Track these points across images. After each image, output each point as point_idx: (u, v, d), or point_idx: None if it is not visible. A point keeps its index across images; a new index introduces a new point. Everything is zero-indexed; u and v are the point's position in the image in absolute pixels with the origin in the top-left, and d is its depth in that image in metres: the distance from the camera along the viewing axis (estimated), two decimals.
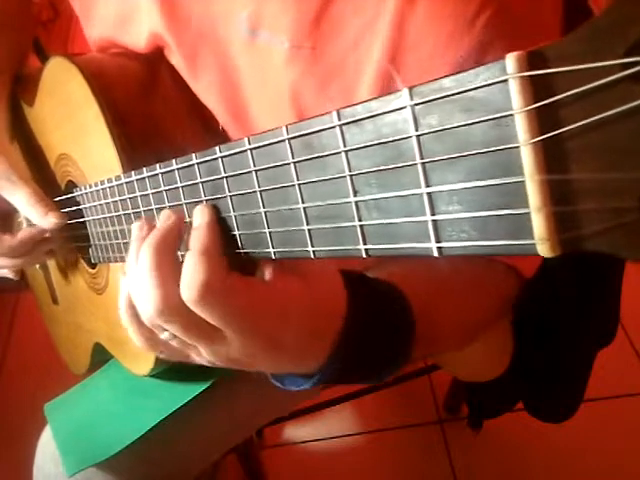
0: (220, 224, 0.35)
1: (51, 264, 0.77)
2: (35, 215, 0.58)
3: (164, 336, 0.36)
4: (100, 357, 0.71)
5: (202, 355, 0.37)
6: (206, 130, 0.58)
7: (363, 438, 1.29)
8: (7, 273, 0.69)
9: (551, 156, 0.19)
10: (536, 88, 0.19)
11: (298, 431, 1.32)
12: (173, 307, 0.33)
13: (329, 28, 0.45)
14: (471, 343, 0.65)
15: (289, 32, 0.46)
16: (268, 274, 0.35)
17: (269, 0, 0.47)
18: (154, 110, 0.57)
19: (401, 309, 0.42)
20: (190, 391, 0.59)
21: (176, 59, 0.57)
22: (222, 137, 0.58)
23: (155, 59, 0.59)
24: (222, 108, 0.56)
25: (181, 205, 0.39)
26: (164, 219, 0.37)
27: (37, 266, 0.80)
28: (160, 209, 0.41)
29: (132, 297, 0.36)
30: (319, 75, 0.47)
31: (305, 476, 1.25)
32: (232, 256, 0.35)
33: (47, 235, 0.62)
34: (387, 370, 0.42)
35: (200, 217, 0.35)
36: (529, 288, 0.63)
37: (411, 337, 0.42)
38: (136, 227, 0.38)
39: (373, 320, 0.39)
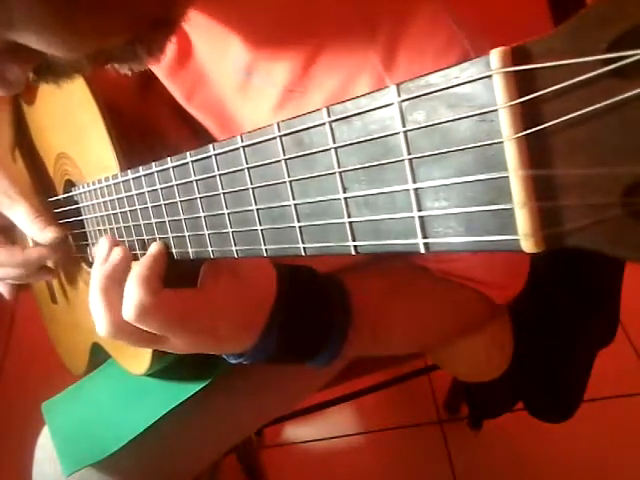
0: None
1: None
2: (33, 230, 0.58)
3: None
4: (98, 357, 0.71)
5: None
6: (202, 130, 0.59)
7: (363, 438, 1.29)
8: (7, 288, 0.68)
9: (535, 151, 0.19)
10: (520, 83, 0.19)
11: (298, 431, 1.32)
12: (119, 328, 0.42)
13: (319, 74, 0.46)
14: (420, 349, 0.73)
15: (282, 77, 0.47)
16: (202, 278, 0.43)
17: (264, 46, 0.48)
18: (151, 110, 0.58)
19: (338, 293, 0.49)
20: (187, 390, 0.59)
21: (169, 87, 0.58)
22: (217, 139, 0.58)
23: None
24: (216, 129, 0.57)
25: (176, 203, 0.39)
26: (115, 254, 0.44)
27: None
28: (155, 207, 0.42)
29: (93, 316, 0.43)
30: None
31: (305, 476, 1.25)
32: (178, 269, 0.42)
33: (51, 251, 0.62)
34: (327, 351, 0.49)
35: (149, 249, 0.43)
36: (528, 288, 0.63)
37: (347, 320, 0.49)
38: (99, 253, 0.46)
39: (304, 300, 0.47)
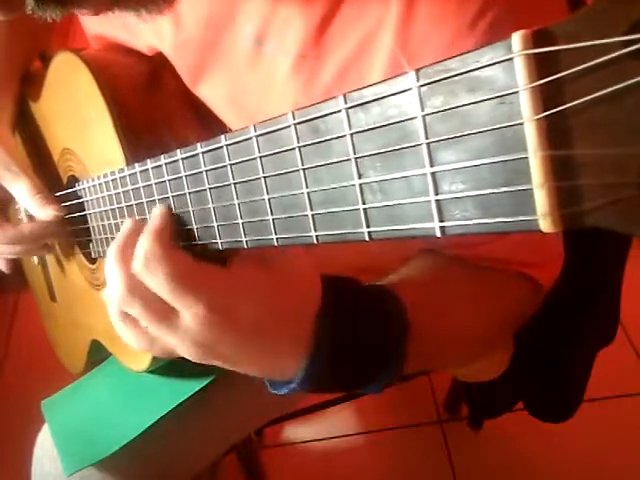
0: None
1: (50, 261, 0.77)
2: (33, 206, 0.58)
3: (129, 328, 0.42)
4: (96, 356, 0.71)
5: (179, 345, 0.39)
6: (211, 123, 0.59)
7: (363, 438, 1.29)
8: (3, 262, 0.69)
9: (554, 132, 0.19)
10: (541, 66, 0.19)
11: (298, 431, 1.32)
12: (129, 288, 0.38)
13: (333, 38, 0.45)
14: (480, 355, 0.64)
15: (295, 41, 0.47)
16: (229, 262, 0.38)
17: (276, 11, 0.47)
18: (158, 104, 0.58)
19: (393, 309, 0.42)
20: (188, 389, 0.59)
21: (178, 69, 0.58)
22: (227, 130, 0.58)
23: (159, 54, 0.59)
24: (228, 113, 0.57)
25: (184, 195, 0.39)
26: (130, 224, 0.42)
27: (35, 262, 0.80)
28: (163, 199, 0.42)
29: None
30: (322, 86, 0.47)
31: (305, 476, 1.25)
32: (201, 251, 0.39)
33: (46, 228, 0.62)
34: (380, 376, 0.42)
35: (155, 210, 0.41)
36: None
37: (404, 338, 0.41)
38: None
39: (356, 320, 0.40)
